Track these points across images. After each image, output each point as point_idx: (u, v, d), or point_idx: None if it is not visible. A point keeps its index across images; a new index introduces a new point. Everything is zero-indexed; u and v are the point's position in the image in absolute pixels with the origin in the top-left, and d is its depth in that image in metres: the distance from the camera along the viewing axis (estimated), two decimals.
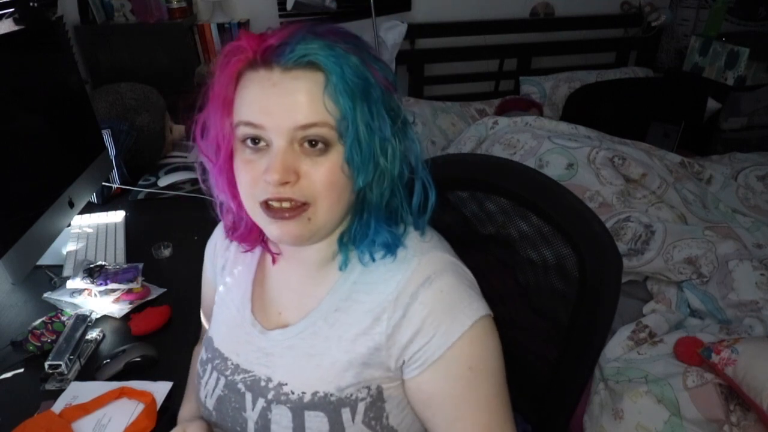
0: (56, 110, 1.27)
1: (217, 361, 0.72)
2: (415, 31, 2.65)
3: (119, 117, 1.64)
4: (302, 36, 0.56)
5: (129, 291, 1.07)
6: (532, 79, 2.89)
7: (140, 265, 1.12)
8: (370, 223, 0.63)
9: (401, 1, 2.61)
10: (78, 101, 1.38)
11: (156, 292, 1.10)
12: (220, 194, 0.69)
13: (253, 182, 0.59)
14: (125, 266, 1.12)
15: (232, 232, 0.73)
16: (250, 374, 0.68)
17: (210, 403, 0.71)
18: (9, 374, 0.92)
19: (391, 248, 0.63)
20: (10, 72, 1.11)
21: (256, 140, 0.58)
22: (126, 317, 1.04)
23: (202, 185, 0.71)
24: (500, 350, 0.64)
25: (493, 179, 0.81)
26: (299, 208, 0.58)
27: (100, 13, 2.19)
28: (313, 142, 0.56)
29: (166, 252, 1.25)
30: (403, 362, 0.62)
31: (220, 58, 0.60)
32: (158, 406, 0.83)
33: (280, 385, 0.65)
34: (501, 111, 2.63)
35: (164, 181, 1.58)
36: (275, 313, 0.71)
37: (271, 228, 0.60)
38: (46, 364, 0.88)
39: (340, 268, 0.66)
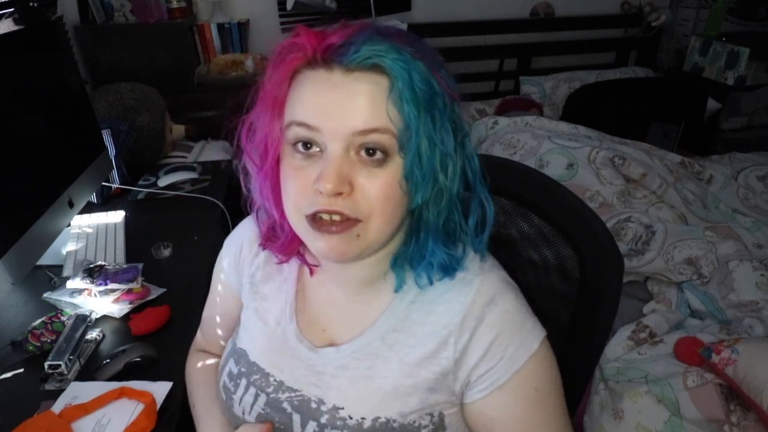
0: (56, 110, 1.27)
1: (255, 377, 0.67)
2: (415, 31, 2.63)
3: (119, 117, 1.64)
4: (368, 36, 0.52)
5: (129, 291, 1.07)
6: (532, 79, 2.89)
7: (140, 265, 1.12)
8: (427, 244, 0.59)
9: (401, 1, 2.61)
10: (78, 101, 1.38)
11: (156, 292, 1.10)
12: (263, 201, 0.64)
13: (301, 191, 0.54)
14: (125, 266, 1.12)
15: (268, 241, 0.67)
16: (298, 393, 0.64)
17: (250, 420, 0.67)
18: (9, 374, 0.92)
19: (449, 270, 0.61)
20: (10, 72, 1.11)
21: (308, 144, 0.54)
22: (126, 317, 1.04)
23: (244, 189, 0.65)
24: (558, 368, 0.63)
25: (494, 179, 0.81)
26: (349, 222, 0.54)
27: (100, 13, 2.19)
28: (372, 151, 0.52)
29: (166, 252, 1.24)
30: (467, 384, 0.60)
31: (274, 56, 0.56)
32: (158, 406, 0.83)
33: (336, 408, 0.62)
34: (501, 111, 2.63)
35: (164, 181, 1.58)
36: (319, 330, 0.67)
37: (316, 243, 0.56)
38: (46, 364, 0.88)
39: (396, 290, 0.63)
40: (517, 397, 0.60)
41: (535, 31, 2.92)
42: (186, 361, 0.86)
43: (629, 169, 1.80)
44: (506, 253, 0.82)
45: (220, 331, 0.82)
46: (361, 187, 0.53)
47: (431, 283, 0.61)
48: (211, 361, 0.83)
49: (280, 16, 2.49)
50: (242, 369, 0.69)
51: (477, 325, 0.59)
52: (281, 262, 0.69)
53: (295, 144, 0.54)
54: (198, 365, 0.83)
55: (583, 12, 2.93)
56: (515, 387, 0.59)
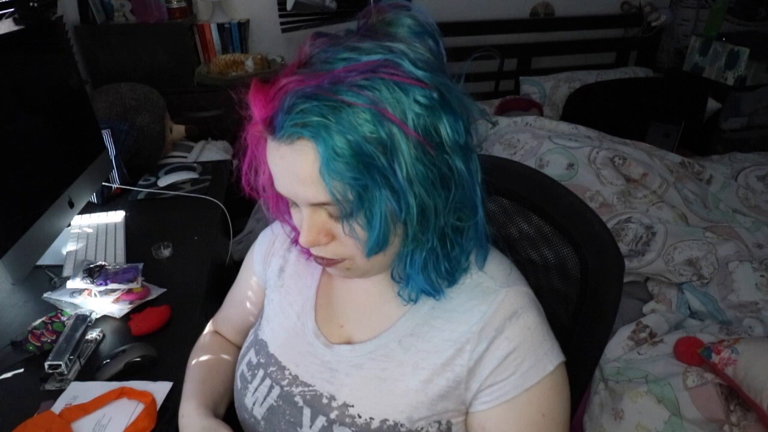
0: (56, 110, 1.27)
1: (272, 368, 0.68)
2: None
3: (119, 117, 1.64)
4: (292, 102, 0.48)
5: (129, 291, 1.07)
6: (532, 79, 2.89)
7: (140, 265, 1.12)
8: (410, 271, 0.58)
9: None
10: (78, 101, 1.38)
11: (156, 292, 1.10)
12: (280, 220, 0.69)
13: (298, 227, 0.58)
14: (125, 266, 1.12)
15: (295, 241, 0.71)
16: (311, 388, 0.65)
17: (259, 412, 0.67)
18: (9, 374, 0.92)
19: (431, 294, 0.60)
20: (10, 72, 1.11)
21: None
22: (126, 317, 1.04)
23: (265, 212, 0.69)
24: (570, 399, 0.61)
25: (494, 179, 0.81)
26: (334, 260, 0.58)
27: (100, 13, 2.19)
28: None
29: (166, 252, 1.25)
30: (476, 394, 0.59)
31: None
32: (158, 406, 0.83)
33: (346, 405, 0.62)
34: (501, 111, 2.63)
35: (164, 181, 1.58)
36: (337, 326, 0.68)
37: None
38: (46, 364, 0.88)
39: (410, 300, 0.62)
40: (522, 417, 0.58)
41: (535, 31, 2.92)
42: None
43: (629, 169, 1.80)
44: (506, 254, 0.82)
45: (232, 314, 0.85)
46: (337, 233, 0.55)
47: (441, 292, 0.61)
48: (216, 342, 0.85)
49: (280, 16, 2.49)
50: (261, 360, 0.70)
51: (496, 336, 0.58)
52: (308, 258, 0.71)
53: None
54: (203, 341, 0.85)
55: (583, 12, 2.93)
56: (522, 406, 0.58)
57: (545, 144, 1.88)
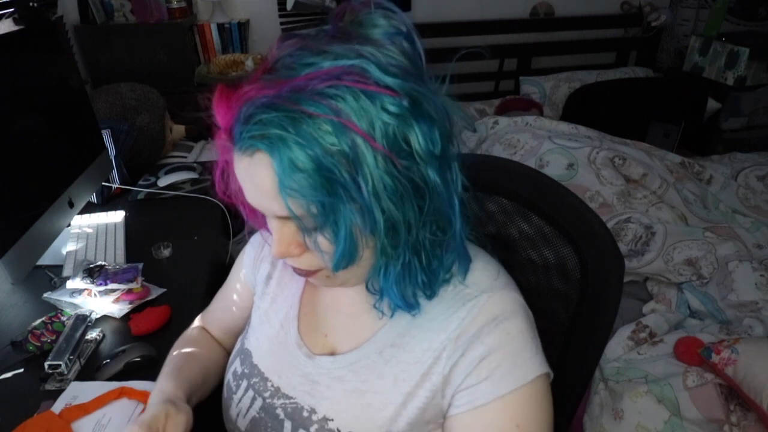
0: (56, 110, 1.27)
1: (255, 379, 0.68)
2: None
3: (119, 117, 1.64)
4: (249, 112, 0.46)
5: (129, 291, 1.07)
6: (532, 79, 2.89)
7: (140, 265, 1.12)
8: (386, 283, 0.56)
9: (401, 1, 2.61)
10: (78, 101, 1.38)
11: (156, 292, 1.10)
12: (257, 226, 0.65)
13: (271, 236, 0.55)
14: (125, 266, 1.12)
15: None
16: (292, 401, 0.64)
17: (242, 423, 0.66)
18: (9, 374, 0.92)
19: (431, 287, 0.57)
20: (10, 72, 1.11)
21: None
22: (126, 317, 1.04)
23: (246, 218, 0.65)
24: (552, 415, 0.58)
25: (494, 179, 0.81)
26: (310, 271, 0.56)
27: (100, 13, 2.19)
28: None
29: (166, 252, 1.24)
30: (450, 399, 0.57)
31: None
32: None
33: (326, 419, 0.61)
34: (501, 111, 2.63)
35: (164, 181, 1.58)
36: (321, 335, 0.66)
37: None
38: (46, 364, 0.88)
39: (385, 314, 0.60)
40: (493, 425, 0.54)
41: (535, 31, 2.92)
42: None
43: (629, 169, 1.80)
44: (506, 253, 0.82)
45: (219, 313, 0.84)
46: (308, 244, 0.53)
47: (391, 316, 0.60)
48: (200, 336, 0.84)
49: (280, 16, 2.49)
50: (245, 370, 0.70)
51: (472, 341, 0.56)
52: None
53: None
54: (188, 334, 0.85)
55: (583, 12, 2.93)
56: (494, 414, 0.54)
57: (545, 144, 1.88)
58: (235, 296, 0.81)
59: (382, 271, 0.55)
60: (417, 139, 0.47)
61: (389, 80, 0.46)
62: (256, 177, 0.49)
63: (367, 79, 0.46)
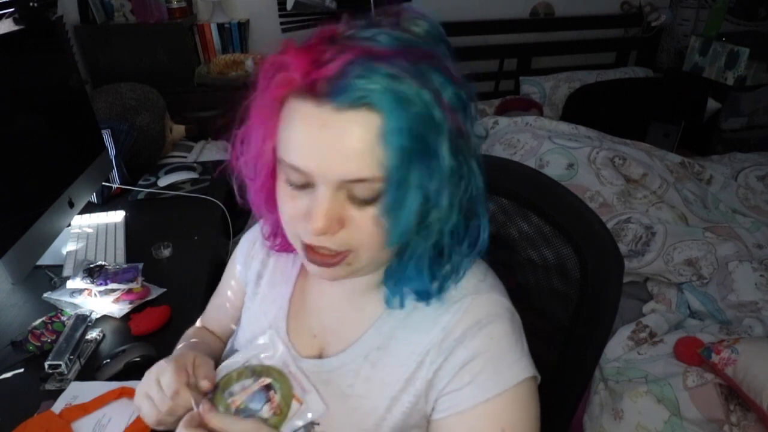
0: (56, 110, 1.27)
1: None
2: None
3: (119, 117, 1.64)
4: (363, 66, 0.46)
5: (129, 291, 1.07)
6: (532, 79, 2.89)
7: (140, 265, 1.12)
8: (406, 268, 0.56)
9: (401, 1, 2.61)
10: (78, 101, 1.38)
11: (156, 292, 1.10)
12: (258, 211, 0.63)
13: (294, 218, 0.53)
14: (125, 266, 1.12)
15: (271, 242, 0.67)
16: None
17: None
18: (9, 374, 0.92)
19: (424, 297, 0.57)
20: (10, 72, 1.11)
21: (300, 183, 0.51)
22: (126, 317, 1.04)
23: (238, 198, 0.63)
24: (539, 419, 0.57)
25: (494, 179, 0.81)
26: (340, 255, 0.53)
27: (100, 13, 2.19)
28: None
29: (166, 252, 1.24)
30: (434, 403, 0.57)
31: (262, 72, 0.52)
32: None
33: (312, 424, 0.60)
34: (501, 111, 2.63)
35: (164, 181, 1.58)
36: (310, 336, 0.66)
37: (309, 265, 0.56)
38: (46, 364, 0.88)
39: (387, 303, 0.60)
40: (476, 430, 0.54)
41: (535, 31, 2.92)
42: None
43: (629, 169, 1.80)
44: (506, 253, 0.82)
45: (215, 314, 0.84)
46: (350, 220, 0.51)
47: (402, 306, 0.59)
48: (204, 331, 0.85)
49: (280, 16, 2.49)
50: None
51: (455, 346, 0.56)
52: (278, 250, 0.69)
53: (288, 177, 0.52)
54: (191, 330, 0.85)
55: (583, 12, 2.93)
56: (478, 418, 0.54)
57: (545, 144, 1.88)
58: (230, 293, 0.81)
59: (413, 255, 0.55)
60: (468, 127, 0.52)
61: (454, 72, 0.50)
62: (344, 133, 0.47)
63: (448, 66, 0.50)
